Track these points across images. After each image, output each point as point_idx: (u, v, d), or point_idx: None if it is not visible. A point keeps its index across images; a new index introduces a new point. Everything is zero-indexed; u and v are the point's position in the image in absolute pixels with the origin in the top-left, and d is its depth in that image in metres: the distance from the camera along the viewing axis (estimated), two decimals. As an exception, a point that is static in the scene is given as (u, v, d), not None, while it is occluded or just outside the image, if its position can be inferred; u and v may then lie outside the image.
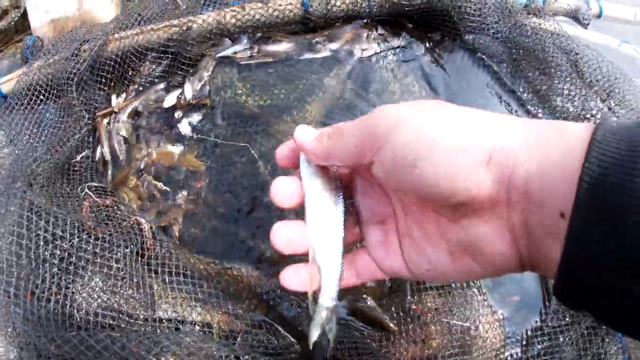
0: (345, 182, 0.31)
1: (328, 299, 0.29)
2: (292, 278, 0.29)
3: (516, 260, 0.24)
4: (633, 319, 0.20)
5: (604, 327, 0.49)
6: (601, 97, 0.51)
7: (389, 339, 0.42)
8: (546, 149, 0.21)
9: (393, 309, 0.42)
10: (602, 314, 0.22)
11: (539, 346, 0.47)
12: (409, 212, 0.28)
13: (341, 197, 0.30)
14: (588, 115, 0.50)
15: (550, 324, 0.48)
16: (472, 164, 0.22)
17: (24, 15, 0.65)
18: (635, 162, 0.18)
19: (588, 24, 0.57)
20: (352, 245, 0.32)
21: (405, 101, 0.30)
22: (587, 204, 0.19)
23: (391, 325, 0.42)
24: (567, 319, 0.49)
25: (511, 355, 0.46)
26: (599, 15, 0.58)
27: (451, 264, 0.26)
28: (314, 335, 0.29)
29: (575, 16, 0.56)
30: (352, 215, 0.30)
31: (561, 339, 0.48)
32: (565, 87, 0.49)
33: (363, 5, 0.47)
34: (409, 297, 0.43)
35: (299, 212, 0.32)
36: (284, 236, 0.28)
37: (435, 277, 0.28)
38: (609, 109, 0.51)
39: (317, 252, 0.29)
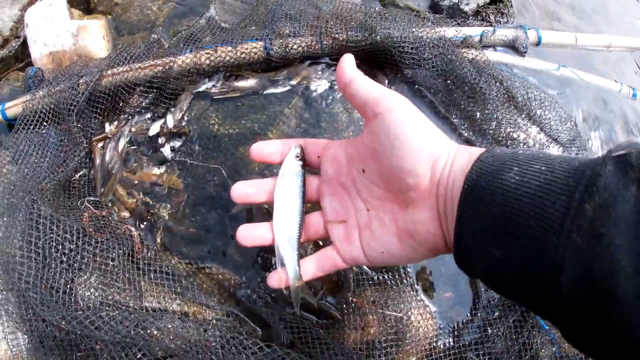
0: (315, 190, 0.50)
1: (294, 281, 0.48)
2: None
3: (443, 240, 0.41)
4: (497, 276, 0.36)
5: (529, 320, 0.67)
6: (530, 117, 0.71)
7: (334, 327, 0.61)
8: (459, 162, 0.39)
9: (338, 301, 0.62)
10: (481, 274, 0.38)
11: (470, 337, 0.66)
12: (371, 207, 0.46)
13: (304, 203, 0.49)
14: (514, 135, 0.70)
15: (480, 318, 0.67)
16: (426, 161, 0.39)
17: (24, 43, 0.85)
18: (498, 174, 0.35)
19: (525, 52, 0.77)
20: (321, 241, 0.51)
21: (351, 129, 0.51)
22: (465, 198, 0.36)
23: (336, 314, 0.61)
24: (495, 314, 0.67)
25: (444, 344, 0.65)
26: (538, 43, 0.78)
27: (399, 245, 0.44)
28: (297, 308, 0.50)
29: (513, 46, 0.76)
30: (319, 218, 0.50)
31: (490, 331, 0.66)
32: (495, 110, 0.69)
33: (316, 47, 0.67)
34: (351, 292, 0.62)
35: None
36: (247, 233, 0.49)
37: (388, 259, 0.45)
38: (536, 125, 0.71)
39: (280, 247, 0.49)
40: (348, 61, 0.44)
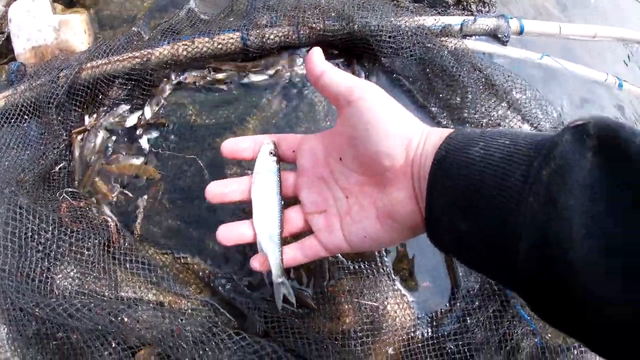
0: (292, 185, 0.51)
1: (277, 277, 0.50)
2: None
3: (421, 217, 0.41)
4: (464, 249, 0.37)
5: (510, 310, 0.67)
6: (510, 106, 0.70)
7: (310, 316, 0.61)
8: (432, 142, 0.40)
9: (313, 290, 0.62)
10: (450, 247, 0.39)
11: (449, 327, 0.65)
12: (350, 194, 0.47)
13: (282, 200, 0.50)
14: (495, 124, 0.69)
15: (459, 308, 0.66)
16: (402, 142, 0.41)
17: (8, 39, 0.87)
18: (465, 149, 0.36)
19: (507, 42, 0.76)
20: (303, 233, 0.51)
21: (329, 118, 0.52)
22: (434, 173, 0.37)
23: (311, 304, 0.61)
24: (475, 304, 0.67)
25: (422, 334, 0.64)
26: (520, 32, 0.77)
27: (380, 227, 0.44)
28: (279, 303, 0.52)
29: (495, 35, 0.76)
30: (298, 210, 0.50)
31: (469, 321, 0.66)
32: (475, 99, 0.69)
33: (293, 37, 0.67)
34: (327, 281, 0.62)
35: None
36: (227, 233, 0.49)
37: (370, 243, 0.46)
38: (519, 114, 0.70)
39: (263, 245, 0.49)
40: (317, 54, 0.45)
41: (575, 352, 0.65)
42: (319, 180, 0.49)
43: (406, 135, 0.41)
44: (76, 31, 0.78)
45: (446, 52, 0.69)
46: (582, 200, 0.27)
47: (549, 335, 0.67)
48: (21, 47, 0.82)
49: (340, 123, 0.45)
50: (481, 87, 0.69)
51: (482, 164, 0.34)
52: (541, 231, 0.29)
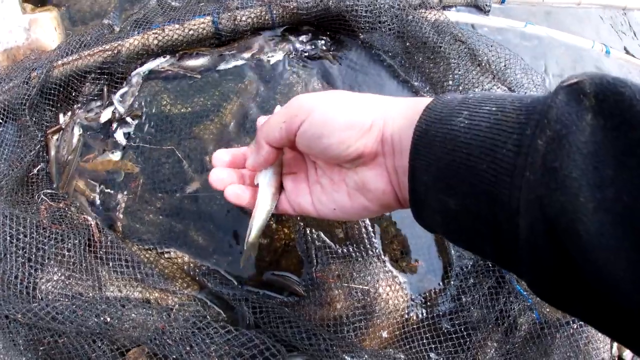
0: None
1: (254, 238, 0.49)
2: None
3: (394, 196, 0.39)
4: (454, 228, 0.34)
5: (505, 287, 0.64)
6: (495, 76, 0.67)
7: (299, 304, 0.59)
8: (405, 116, 0.37)
9: (302, 277, 0.59)
10: (438, 228, 0.36)
11: (444, 307, 0.63)
12: (318, 168, 0.46)
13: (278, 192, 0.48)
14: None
15: (453, 286, 0.63)
16: (358, 134, 0.38)
17: (-19, 44, 0.84)
18: (447, 120, 0.32)
19: (489, 11, 0.72)
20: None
21: None
22: (415, 149, 0.34)
23: (300, 291, 0.59)
24: (470, 281, 0.64)
25: (417, 316, 0.62)
26: (502, 1, 0.74)
27: (350, 202, 0.42)
28: (245, 260, 0.52)
29: (476, 5, 0.72)
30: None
31: (464, 299, 0.63)
32: (458, 71, 0.65)
33: (266, 17, 0.64)
34: (315, 266, 0.59)
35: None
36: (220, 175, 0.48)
37: (340, 215, 0.44)
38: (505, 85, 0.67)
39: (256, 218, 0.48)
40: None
41: (575, 326, 0.62)
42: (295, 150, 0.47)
43: (363, 124, 0.38)
44: (46, 29, 0.75)
45: (426, 25, 0.65)
46: (586, 169, 0.24)
47: (547, 310, 0.65)
48: (-7, 50, 0.79)
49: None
50: (464, 58, 0.66)
51: (468, 135, 0.30)
52: (542, 205, 0.25)
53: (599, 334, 0.64)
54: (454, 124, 0.31)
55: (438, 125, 0.33)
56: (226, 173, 0.48)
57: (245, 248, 0.49)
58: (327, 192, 0.44)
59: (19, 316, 0.52)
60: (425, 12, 0.67)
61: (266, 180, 0.48)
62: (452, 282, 0.63)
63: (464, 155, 0.30)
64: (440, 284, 0.63)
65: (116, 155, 0.63)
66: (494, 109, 0.30)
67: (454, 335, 0.61)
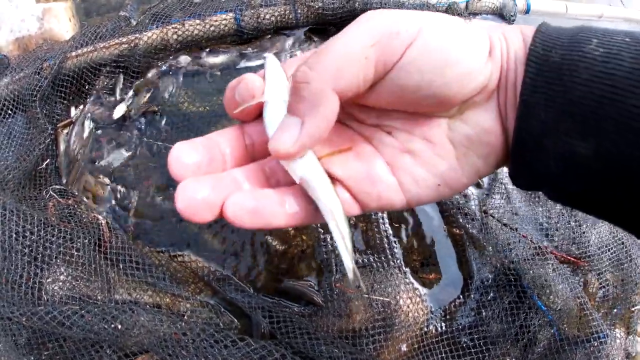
0: None
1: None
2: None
3: (504, 142, 0.29)
4: (578, 182, 0.26)
5: (526, 302, 0.61)
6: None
7: (317, 315, 0.55)
8: (512, 42, 0.28)
9: (320, 287, 0.56)
10: (550, 182, 0.28)
11: (463, 321, 0.60)
12: (396, 130, 0.31)
13: None
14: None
15: (473, 299, 0.60)
16: (482, 58, 0.27)
17: (-9, 32, 0.80)
18: (574, 46, 0.26)
19: (514, 21, 0.70)
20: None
21: None
22: (532, 78, 0.26)
23: (319, 301, 0.55)
24: (490, 295, 0.61)
25: (436, 329, 0.59)
26: (527, 11, 0.71)
27: (460, 169, 0.30)
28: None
29: (501, 13, 0.69)
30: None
31: (484, 314, 0.60)
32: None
33: (290, 17, 0.61)
34: (334, 276, 0.56)
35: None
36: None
37: (446, 192, 0.31)
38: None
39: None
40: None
41: (596, 344, 0.59)
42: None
43: (484, 43, 0.28)
44: (60, 19, 0.71)
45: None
46: None
47: (566, 326, 0.62)
48: (4, 39, 0.75)
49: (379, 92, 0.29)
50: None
51: (609, 64, 0.24)
52: None
53: (620, 352, 0.62)
54: (586, 52, 0.25)
55: (563, 51, 0.26)
56: (208, 186, 0.28)
57: (350, 276, 0.33)
58: (427, 162, 0.31)
59: (24, 320, 0.48)
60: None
61: (315, 167, 0.29)
62: (472, 296, 0.60)
63: (607, 87, 0.24)
64: (461, 297, 0.60)
65: (129, 152, 0.60)
66: (627, 39, 0.25)
67: (472, 350, 0.58)
